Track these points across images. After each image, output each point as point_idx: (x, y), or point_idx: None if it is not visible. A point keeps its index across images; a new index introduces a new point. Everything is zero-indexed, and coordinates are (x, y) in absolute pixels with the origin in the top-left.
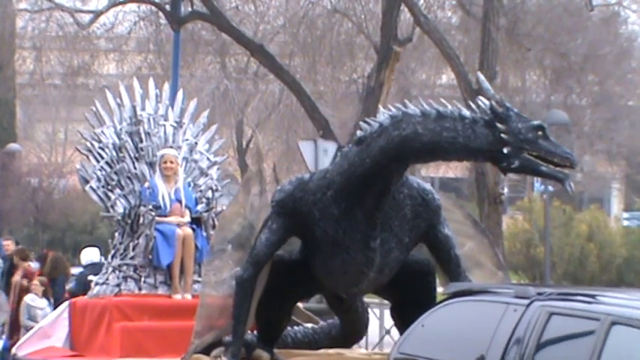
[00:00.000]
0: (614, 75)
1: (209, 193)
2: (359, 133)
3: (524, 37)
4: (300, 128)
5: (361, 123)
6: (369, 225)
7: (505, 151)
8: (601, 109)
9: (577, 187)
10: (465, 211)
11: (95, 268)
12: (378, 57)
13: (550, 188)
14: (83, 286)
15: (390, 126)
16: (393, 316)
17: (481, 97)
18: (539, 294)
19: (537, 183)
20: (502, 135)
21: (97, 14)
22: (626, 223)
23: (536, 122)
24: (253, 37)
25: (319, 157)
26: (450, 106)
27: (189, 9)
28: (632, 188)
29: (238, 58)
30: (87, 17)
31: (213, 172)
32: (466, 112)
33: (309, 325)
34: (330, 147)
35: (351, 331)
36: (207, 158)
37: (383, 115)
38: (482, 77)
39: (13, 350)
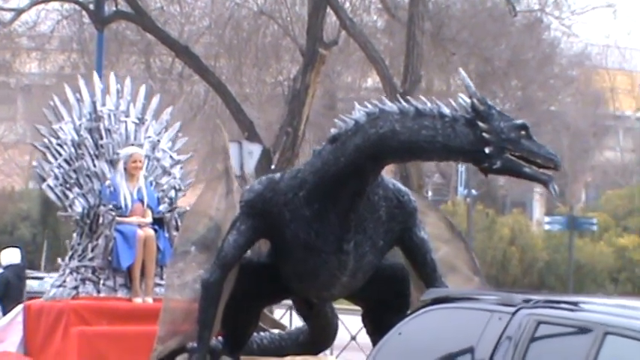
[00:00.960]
0: (537, 80)
1: (172, 193)
2: (333, 130)
3: (449, 41)
4: (225, 130)
5: (336, 120)
6: (343, 227)
7: (487, 151)
8: (524, 114)
9: (500, 191)
10: (440, 213)
11: (16, 269)
12: (304, 59)
13: (473, 192)
14: (4, 287)
15: (366, 123)
16: (364, 322)
17: (461, 95)
18: (526, 301)
19: (461, 187)
20: (484, 134)
21: (19, 12)
22: (547, 227)
23: (519, 121)
24: (178, 37)
25: (244, 158)
26: (429, 104)
27: (114, 8)
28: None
29: (163, 59)
30: (8, 15)
31: (177, 170)
32: (446, 110)
33: (276, 330)
34: (255, 149)
35: (320, 338)
36: (170, 156)
37: (359, 112)
38: (463, 73)
39: None
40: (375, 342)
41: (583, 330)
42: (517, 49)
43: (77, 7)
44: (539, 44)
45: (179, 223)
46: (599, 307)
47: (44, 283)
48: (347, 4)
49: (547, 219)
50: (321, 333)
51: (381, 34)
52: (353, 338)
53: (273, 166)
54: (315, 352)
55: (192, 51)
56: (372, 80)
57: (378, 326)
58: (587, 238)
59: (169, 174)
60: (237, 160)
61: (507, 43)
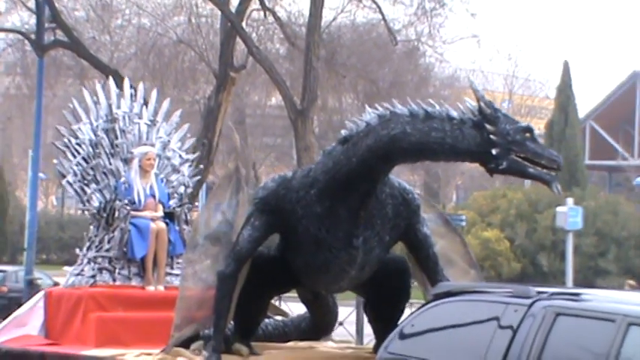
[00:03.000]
0: (415, 99)
1: (181, 189)
2: (344, 132)
3: (341, 66)
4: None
5: (347, 122)
6: (353, 223)
7: (494, 152)
8: None
9: None
10: (437, 210)
11: None
12: (217, 81)
13: None
14: None
15: (377, 125)
16: (366, 311)
17: (468, 99)
18: (540, 293)
19: None
20: (490, 136)
21: None
22: None
23: (524, 124)
24: (109, 63)
25: None
26: (437, 107)
27: (52, 38)
28: (430, 195)
29: (96, 80)
30: None
31: (185, 169)
32: (454, 113)
33: (279, 317)
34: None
35: (322, 325)
36: (180, 155)
37: (370, 114)
38: (472, 80)
39: None
40: (375, 329)
41: (605, 321)
42: (398, 72)
43: (20, 36)
44: (416, 68)
45: (188, 217)
46: (621, 298)
47: None
48: (253, 34)
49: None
50: (322, 320)
51: (283, 60)
52: (340, 324)
53: None
54: (317, 338)
55: (121, 74)
56: (276, 99)
57: (380, 314)
58: None
59: (178, 172)
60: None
61: (390, 68)
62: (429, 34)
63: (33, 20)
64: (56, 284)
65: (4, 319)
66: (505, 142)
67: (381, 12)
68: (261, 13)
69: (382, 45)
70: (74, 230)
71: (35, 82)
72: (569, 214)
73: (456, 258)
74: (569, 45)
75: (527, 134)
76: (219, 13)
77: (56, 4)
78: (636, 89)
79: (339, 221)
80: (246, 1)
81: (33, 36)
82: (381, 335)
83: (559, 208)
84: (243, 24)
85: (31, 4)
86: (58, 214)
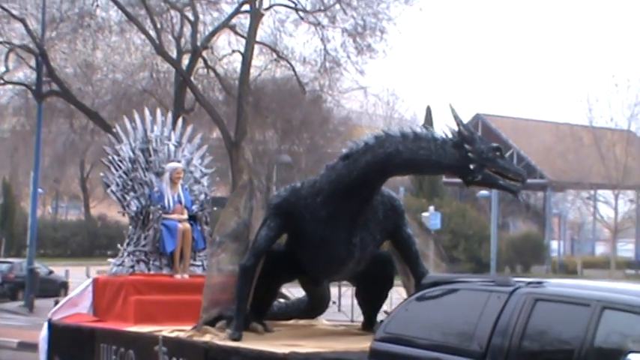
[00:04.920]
0: (319, 134)
1: (202, 197)
2: (344, 150)
3: (264, 109)
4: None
5: (348, 142)
6: (352, 225)
7: (471, 167)
8: (312, 155)
9: None
10: (411, 215)
11: None
12: (173, 121)
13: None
14: None
15: (374, 144)
16: (357, 295)
17: (447, 124)
18: (519, 282)
19: None
20: (468, 154)
21: None
22: None
23: (494, 145)
24: (91, 107)
25: None
26: (424, 129)
27: (48, 88)
28: None
29: (81, 120)
30: None
31: (205, 180)
32: (438, 134)
33: (282, 300)
34: None
35: (318, 306)
36: (200, 170)
37: (367, 136)
38: (452, 106)
39: (49, 315)
40: (364, 310)
41: (581, 305)
42: (306, 114)
43: (24, 87)
44: (320, 111)
45: (208, 220)
46: (595, 285)
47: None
48: (199, 86)
49: None
50: (318, 303)
51: (221, 105)
52: None
53: None
54: (312, 317)
55: (100, 115)
56: (216, 133)
57: (368, 298)
58: None
59: (199, 183)
60: None
61: (300, 111)
62: (329, 86)
63: (34, 75)
64: (51, 272)
65: (11, 298)
66: (480, 159)
67: (293, 70)
68: (205, 70)
69: (295, 94)
70: (64, 231)
71: (35, 122)
72: (431, 218)
73: (429, 253)
74: (430, 92)
75: (498, 153)
76: (174, 70)
77: (51, 63)
78: (478, 127)
79: (340, 223)
80: (193, 61)
81: (34, 87)
82: (368, 315)
83: (424, 213)
84: (192, 78)
85: (33, 63)
86: (53, 219)
